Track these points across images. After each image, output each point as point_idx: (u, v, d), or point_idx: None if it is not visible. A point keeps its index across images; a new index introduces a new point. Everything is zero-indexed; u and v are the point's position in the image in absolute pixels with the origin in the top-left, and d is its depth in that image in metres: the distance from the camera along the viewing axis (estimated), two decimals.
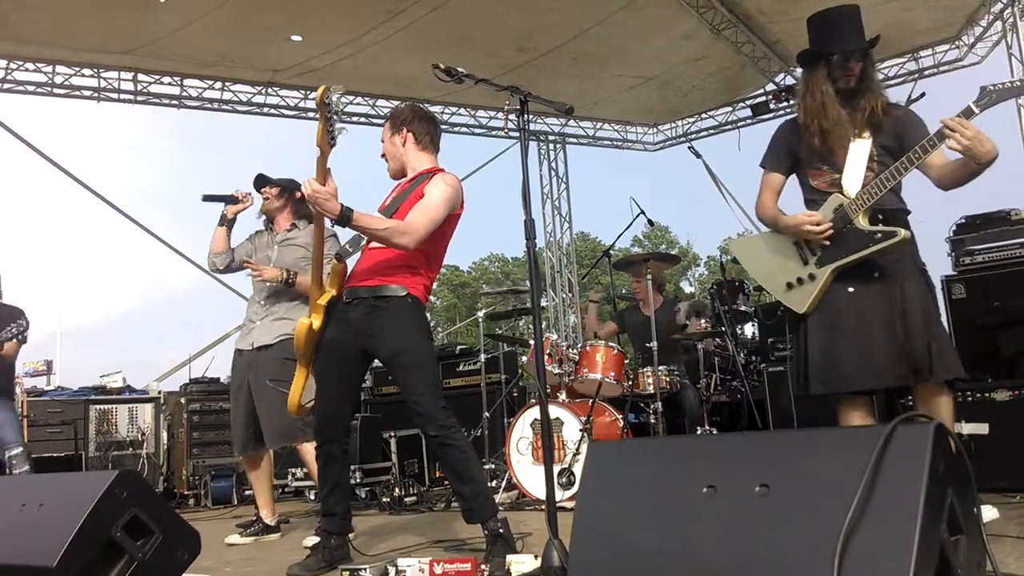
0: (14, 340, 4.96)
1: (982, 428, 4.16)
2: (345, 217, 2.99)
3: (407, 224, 3.12)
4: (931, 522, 1.34)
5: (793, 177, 3.30)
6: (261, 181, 4.49)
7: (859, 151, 3.02)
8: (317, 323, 3.31)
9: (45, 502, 2.58)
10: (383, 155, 3.50)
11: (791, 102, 10.31)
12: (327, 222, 3.32)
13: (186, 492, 7.03)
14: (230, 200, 4.43)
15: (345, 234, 3.48)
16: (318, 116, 3.03)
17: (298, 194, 4.41)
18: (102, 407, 7.05)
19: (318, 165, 3.04)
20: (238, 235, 4.59)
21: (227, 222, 4.43)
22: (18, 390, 6.42)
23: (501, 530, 3.09)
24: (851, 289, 2.98)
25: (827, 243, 3.01)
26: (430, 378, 3.25)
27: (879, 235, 2.94)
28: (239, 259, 4.51)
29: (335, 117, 3.01)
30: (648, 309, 5.73)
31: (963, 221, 4.77)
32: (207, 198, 4.42)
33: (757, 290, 7.58)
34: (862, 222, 2.96)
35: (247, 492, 6.94)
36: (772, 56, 9.45)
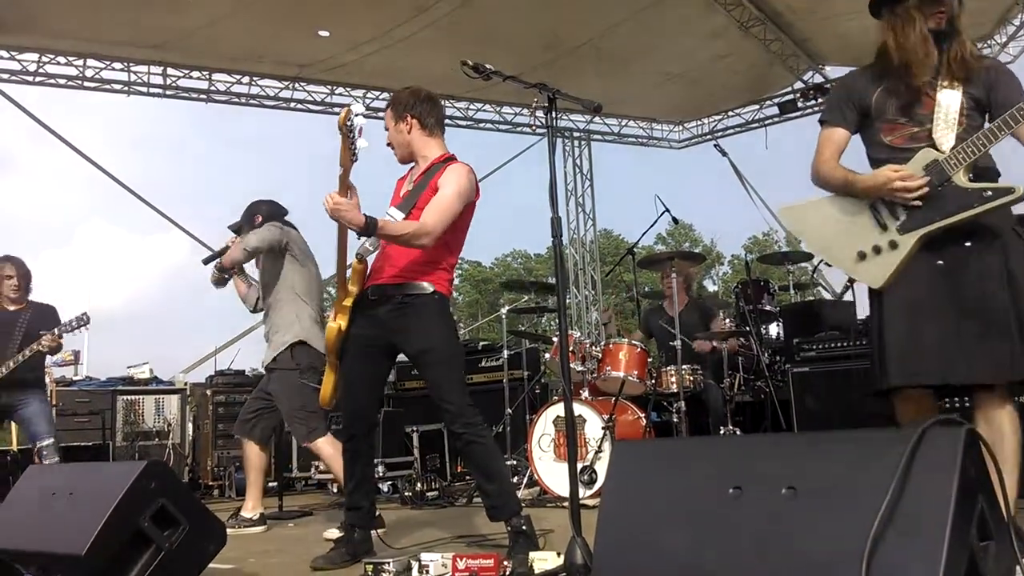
0: (72, 333, 5.03)
1: None
2: (370, 227, 3.01)
3: (423, 225, 3.13)
4: (961, 527, 1.33)
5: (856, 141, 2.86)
6: (234, 229, 4.67)
7: (949, 102, 2.58)
8: (344, 324, 3.33)
9: (75, 491, 2.62)
10: (388, 144, 3.47)
11: (819, 100, 10.22)
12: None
13: (211, 483, 7.11)
14: (222, 253, 4.53)
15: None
16: (341, 137, 3.03)
17: (258, 218, 4.57)
18: (129, 398, 7.14)
19: (341, 181, 3.06)
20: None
21: (227, 271, 4.52)
22: (48, 380, 6.52)
23: (524, 527, 3.10)
24: (941, 261, 2.52)
25: (917, 204, 2.53)
26: (457, 375, 3.26)
27: (989, 192, 2.46)
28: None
29: (356, 137, 3.03)
30: (673, 308, 5.71)
31: None
32: (207, 261, 4.55)
33: (782, 289, 7.52)
34: (963, 179, 2.50)
35: (270, 484, 7.01)
36: (800, 54, 9.38)
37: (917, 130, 2.61)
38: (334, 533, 4.09)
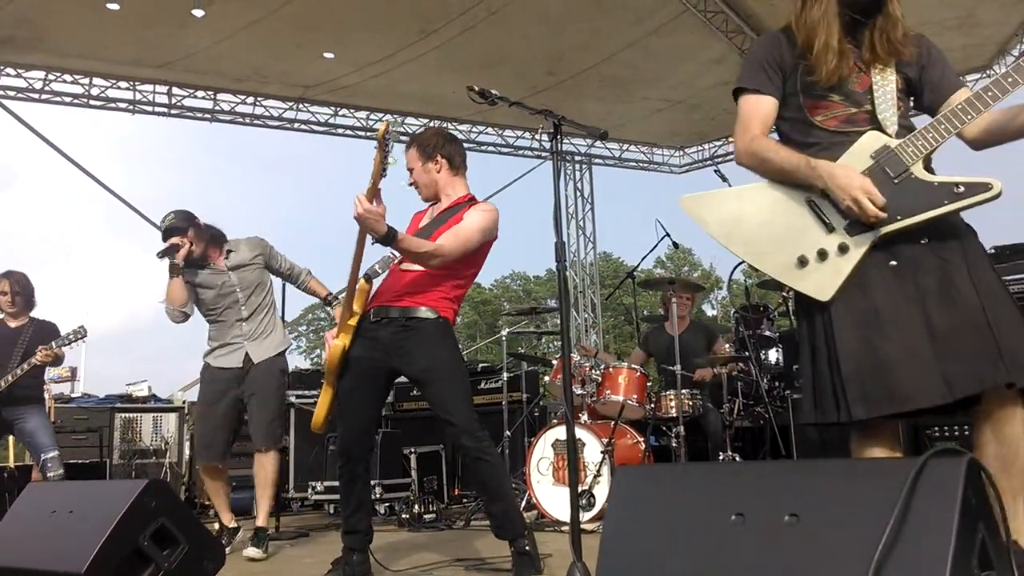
0: (69, 346, 5.04)
1: None
2: (390, 238, 3.03)
3: (440, 247, 3.16)
4: (962, 558, 1.33)
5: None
6: (169, 233, 4.48)
7: (886, 80, 2.22)
8: (347, 344, 3.34)
9: (75, 509, 2.62)
10: (412, 183, 3.48)
11: None
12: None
13: (207, 502, 7.07)
14: (175, 249, 4.42)
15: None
16: (377, 149, 3.07)
17: (201, 222, 4.56)
18: (127, 415, 7.12)
19: (369, 192, 3.07)
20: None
21: (179, 271, 4.42)
22: (47, 396, 6.51)
23: (528, 548, 3.10)
24: (894, 262, 2.12)
25: (868, 221, 2.12)
26: (463, 392, 3.27)
27: (961, 188, 2.05)
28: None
29: (390, 151, 3.07)
30: (673, 329, 5.72)
31: (993, 251, 4.69)
32: (161, 255, 4.43)
33: (781, 315, 7.53)
34: (922, 171, 2.12)
35: None
36: None
37: (855, 110, 2.22)
38: (255, 552, 4.17)
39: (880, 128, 2.17)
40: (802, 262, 2.16)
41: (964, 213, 2.13)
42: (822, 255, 2.14)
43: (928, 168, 2.15)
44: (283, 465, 7.06)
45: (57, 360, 5.06)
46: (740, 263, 2.02)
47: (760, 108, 2.31)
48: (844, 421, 2.08)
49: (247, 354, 4.52)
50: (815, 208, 2.18)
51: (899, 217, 2.09)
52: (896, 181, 2.11)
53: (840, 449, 4.87)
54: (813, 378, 2.19)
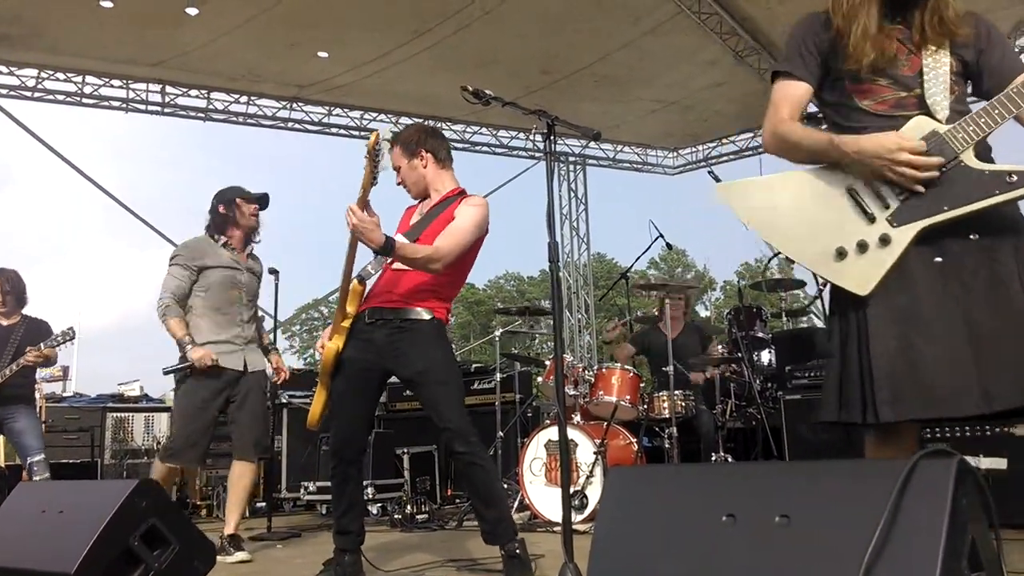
0: (57, 348, 5.02)
1: (1000, 463, 4.12)
2: (388, 247, 3.03)
3: (437, 251, 3.16)
4: (952, 559, 1.34)
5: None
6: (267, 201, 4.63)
7: (938, 63, 2.08)
8: (341, 345, 3.33)
9: (65, 509, 2.60)
10: (400, 183, 3.48)
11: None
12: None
13: (199, 503, 7.05)
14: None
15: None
16: (367, 160, 3.06)
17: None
18: (119, 415, 7.10)
19: (360, 202, 3.07)
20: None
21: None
22: (37, 396, 6.48)
23: (518, 551, 3.09)
24: (940, 258, 1.99)
25: (919, 189, 1.98)
26: (457, 395, 3.26)
27: (1014, 177, 1.93)
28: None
29: (380, 160, 3.07)
30: (667, 330, 5.73)
31: None
32: (168, 372, 4.41)
33: (774, 316, 7.54)
34: (973, 159, 1.98)
35: (259, 504, 6.96)
36: None
37: (904, 95, 2.08)
38: (244, 555, 4.12)
39: (929, 113, 2.03)
40: (840, 253, 2.03)
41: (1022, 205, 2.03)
42: (862, 247, 2.01)
43: (985, 157, 2.02)
44: (275, 465, 7.07)
45: (48, 361, 5.05)
46: (776, 254, 1.79)
47: (791, 92, 2.23)
48: (870, 422, 1.97)
49: (245, 359, 4.43)
50: (856, 196, 2.05)
51: (946, 208, 1.95)
52: (944, 169, 1.98)
53: (833, 450, 4.89)
54: (841, 375, 2.07)
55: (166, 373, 4.38)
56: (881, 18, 2.08)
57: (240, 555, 4.12)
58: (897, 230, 1.99)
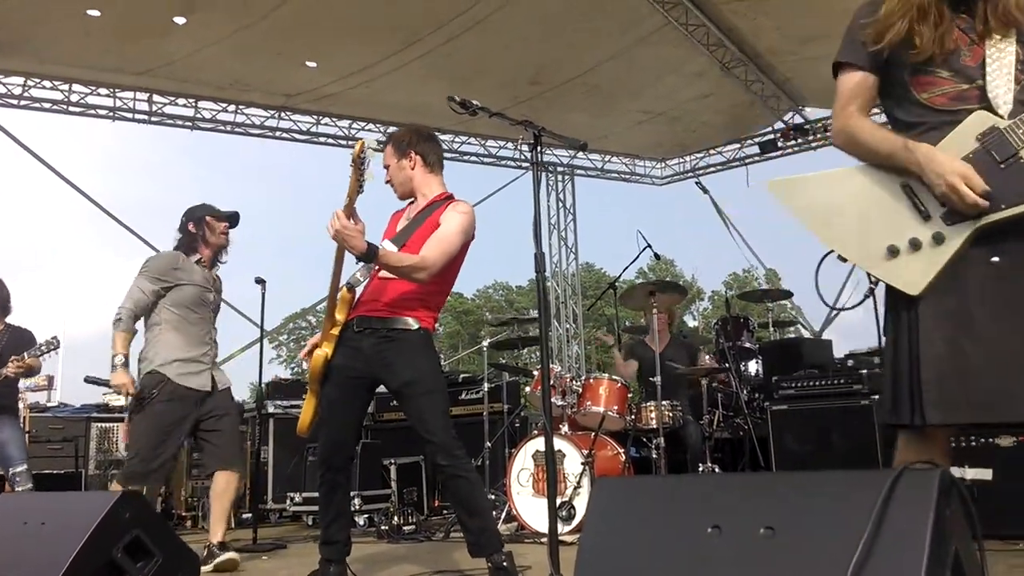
0: (40, 357, 4.98)
1: (986, 474, 4.14)
2: (370, 255, 3.03)
3: (423, 259, 3.15)
4: (936, 570, 1.34)
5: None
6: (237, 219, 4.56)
7: (1003, 53, 1.99)
8: (330, 352, 3.32)
9: (47, 520, 2.58)
10: (388, 181, 3.49)
11: (799, 141, 10.40)
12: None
13: (184, 513, 7.00)
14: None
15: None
16: (352, 168, 3.06)
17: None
18: (104, 425, 7.05)
19: (346, 209, 3.06)
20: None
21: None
22: (21, 406, 6.42)
23: (505, 563, 3.08)
24: (996, 258, 1.92)
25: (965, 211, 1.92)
26: (442, 408, 3.25)
27: None
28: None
29: (366, 170, 3.07)
30: (654, 344, 5.74)
31: None
32: (89, 380, 4.40)
33: (761, 326, 7.57)
34: None
35: (244, 516, 6.92)
36: (781, 95, 9.55)
37: (966, 87, 1.99)
38: (234, 554, 4.08)
39: (990, 106, 1.95)
40: (892, 252, 1.98)
41: None
42: (915, 245, 1.96)
43: None
44: (261, 476, 7.02)
45: (30, 371, 5.00)
46: (828, 253, 1.74)
47: (856, 84, 2.13)
48: (918, 424, 1.94)
49: (213, 378, 4.33)
50: (910, 194, 1.99)
51: (1003, 206, 1.89)
52: (1003, 166, 1.91)
53: (820, 460, 4.91)
54: (893, 376, 2.02)
55: (87, 381, 4.31)
56: (943, 6, 2.01)
57: (228, 554, 4.08)
58: (951, 228, 1.93)
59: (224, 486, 4.28)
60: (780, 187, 2.15)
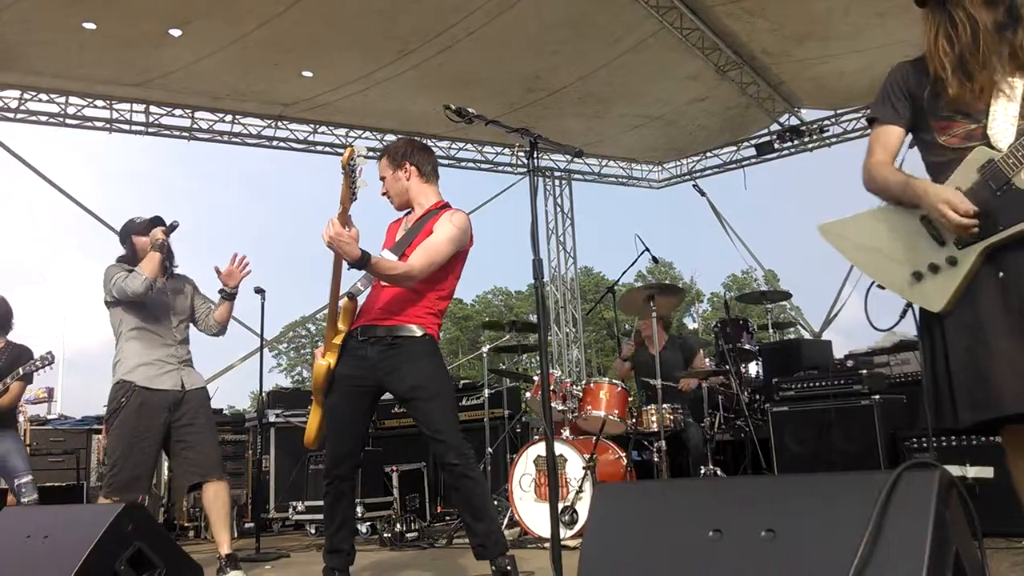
0: (21, 381, 4.98)
1: (987, 472, 4.14)
2: (363, 261, 3.04)
3: (410, 267, 3.19)
4: (937, 570, 1.35)
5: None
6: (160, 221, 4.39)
7: (1009, 93, 2.25)
8: (333, 362, 3.33)
9: (50, 534, 2.59)
10: (384, 193, 3.52)
11: (795, 142, 10.42)
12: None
13: (186, 524, 7.00)
14: (173, 228, 4.31)
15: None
16: (343, 175, 3.07)
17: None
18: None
19: (340, 216, 3.08)
20: None
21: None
22: (21, 418, 6.42)
23: (509, 568, 3.08)
24: (1001, 273, 2.20)
25: (971, 225, 2.20)
26: (451, 409, 3.28)
27: None
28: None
29: (358, 177, 3.08)
30: (653, 348, 5.75)
31: None
32: (169, 230, 4.30)
33: (761, 328, 7.58)
34: (1023, 181, 2.18)
35: (247, 525, 6.92)
36: (776, 97, 9.56)
37: (973, 127, 2.28)
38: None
39: (989, 143, 2.23)
40: (917, 276, 2.31)
41: None
42: (934, 268, 2.28)
43: None
44: (263, 485, 7.02)
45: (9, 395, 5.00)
46: (872, 284, 2.21)
47: (882, 138, 2.44)
48: (958, 427, 2.24)
49: (182, 379, 4.25)
50: (927, 224, 2.30)
51: (1001, 227, 2.17)
52: (999, 193, 2.19)
53: (821, 461, 4.91)
54: (933, 386, 2.30)
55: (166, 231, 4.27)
56: (994, 41, 2.25)
57: (235, 574, 4.06)
58: (962, 251, 2.23)
59: (213, 496, 4.19)
60: (828, 230, 2.51)
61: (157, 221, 4.36)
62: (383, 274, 3.19)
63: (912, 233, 2.33)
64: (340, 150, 10.18)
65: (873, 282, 2.39)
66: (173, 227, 4.33)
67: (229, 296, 4.40)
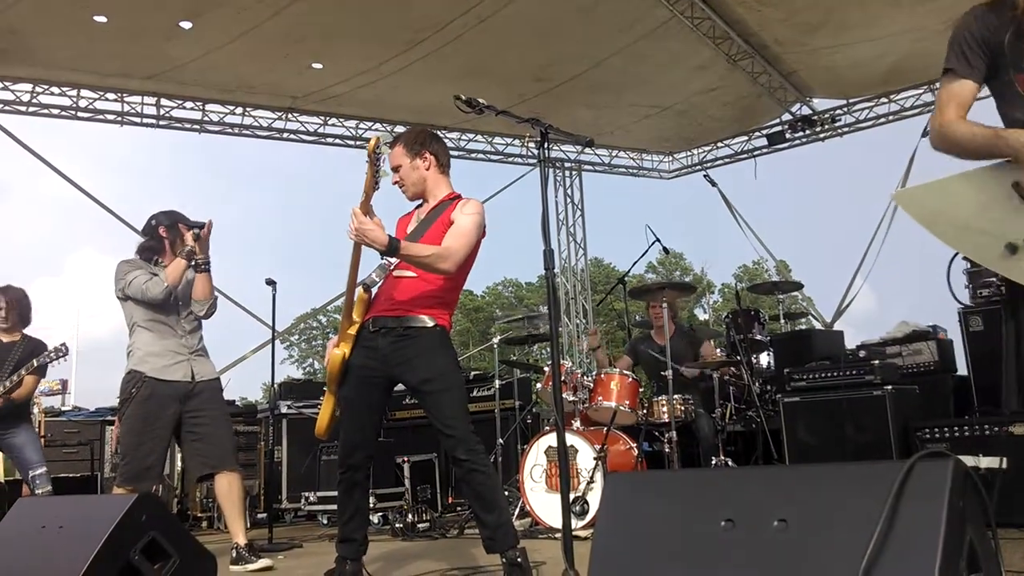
0: (34, 375, 5.02)
1: (1000, 462, 4.12)
2: (393, 248, 3.03)
3: (447, 249, 3.15)
4: (950, 560, 1.34)
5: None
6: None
7: None
8: (348, 352, 3.34)
9: (65, 524, 2.61)
10: (396, 182, 3.42)
11: (807, 132, 10.36)
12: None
13: (199, 514, 7.05)
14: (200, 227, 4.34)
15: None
16: (367, 164, 3.06)
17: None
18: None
19: (363, 205, 3.07)
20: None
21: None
22: (35, 410, 6.47)
23: (520, 559, 3.08)
24: None
25: None
26: (461, 402, 3.27)
27: None
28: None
29: (381, 165, 3.07)
30: (662, 338, 5.74)
31: None
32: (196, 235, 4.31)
33: (772, 319, 7.54)
34: None
35: (259, 515, 6.96)
36: (788, 86, 9.50)
37: None
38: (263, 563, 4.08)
39: None
40: (1012, 249, 2.04)
41: None
42: None
43: None
44: (275, 476, 7.06)
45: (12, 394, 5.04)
46: (955, 255, 1.92)
47: (955, 91, 2.22)
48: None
49: (192, 370, 4.31)
50: (1021, 191, 2.06)
51: None
52: None
53: (833, 452, 4.90)
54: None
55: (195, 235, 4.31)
56: None
57: (263, 561, 4.09)
58: None
59: (227, 487, 4.25)
60: (904, 198, 2.29)
61: (195, 226, 4.41)
62: (414, 258, 3.14)
63: (1003, 201, 2.05)
64: (351, 142, 10.20)
65: (956, 253, 2.19)
66: (197, 234, 4.34)
67: (200, 268, 4.36)
